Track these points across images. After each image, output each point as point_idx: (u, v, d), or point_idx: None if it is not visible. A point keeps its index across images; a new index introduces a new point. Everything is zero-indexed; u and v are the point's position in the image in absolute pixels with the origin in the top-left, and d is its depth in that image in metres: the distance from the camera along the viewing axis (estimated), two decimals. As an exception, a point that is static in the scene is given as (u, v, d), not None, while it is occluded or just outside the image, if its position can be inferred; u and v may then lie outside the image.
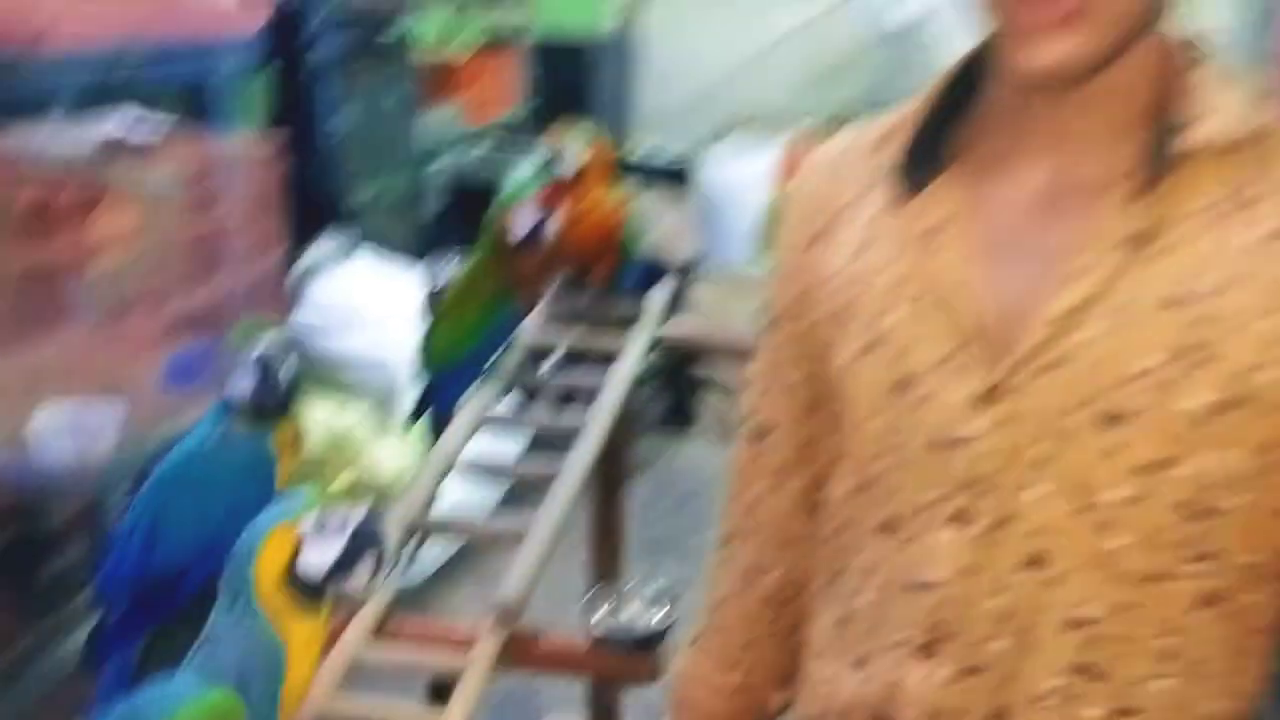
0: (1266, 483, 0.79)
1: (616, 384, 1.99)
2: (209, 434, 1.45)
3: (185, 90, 2.77)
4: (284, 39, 3.09)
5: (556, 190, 2.12)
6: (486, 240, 2.01)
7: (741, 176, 5.30)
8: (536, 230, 1.96)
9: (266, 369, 1.40)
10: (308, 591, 1.03)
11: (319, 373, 3.14)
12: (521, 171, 2.92)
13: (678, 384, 4.05)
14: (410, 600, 1.89)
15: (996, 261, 0.83)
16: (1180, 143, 0.78)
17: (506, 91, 5.06)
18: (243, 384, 1.41)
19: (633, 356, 2.08)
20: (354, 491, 2.97)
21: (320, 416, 3.10)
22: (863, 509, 0.91)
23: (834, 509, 0.96)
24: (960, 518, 0.84)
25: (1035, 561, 0.82)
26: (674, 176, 5.46)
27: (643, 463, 3.78)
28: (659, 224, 5.02)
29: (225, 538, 1.09)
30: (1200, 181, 0.79)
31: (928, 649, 0.86)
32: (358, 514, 1.05)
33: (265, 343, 1.41)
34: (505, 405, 2.05)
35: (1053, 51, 0.76)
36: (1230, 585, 0.81)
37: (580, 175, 2.11)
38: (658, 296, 2.28)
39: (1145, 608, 0.81)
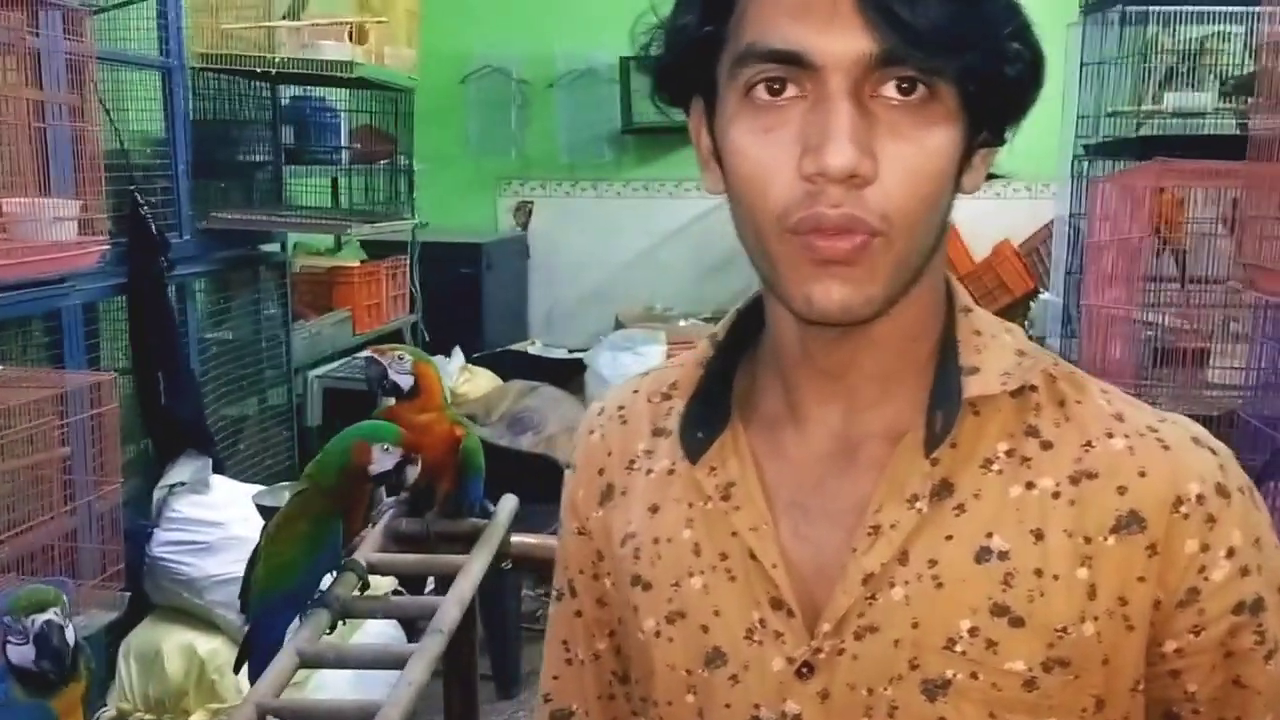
0: None
1: (453, 605, 1.94)
2: (-9, 697, 1.41)
3: (34, 324, 2.77)
4: (146, 260, 3.10)
5: (391, 412, 2.12)
6: (324, 469, 1.97)
7: (632, 370, 5.36)
8: (396, 471, 1.92)
9: (45, 641, 1.39)
10: None
11: (180, 596, 3.04)
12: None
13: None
14: None
15: (794, 520, 0.79)
16: (962, 393, 0.76)
17: (397, 298, 5.10)
18: (22, 652, 1.40)
19: (473, 575, 2.03)
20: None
21: (181, 642, 3.00)
22: None
23: None
24: None
25: None
26: (568, 372, 5.50)
27: (535, 670, 3.68)
28: (554, 419, 5.05)
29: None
30: (984, 433, 0.77)
31: None
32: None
33: (45, 615, 1.40)
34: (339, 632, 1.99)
35: (845, 288, 0.71)
36: None
37: (414, 394, 2.11)
38: (504, 511, 2.26)
39: None
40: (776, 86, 0.70)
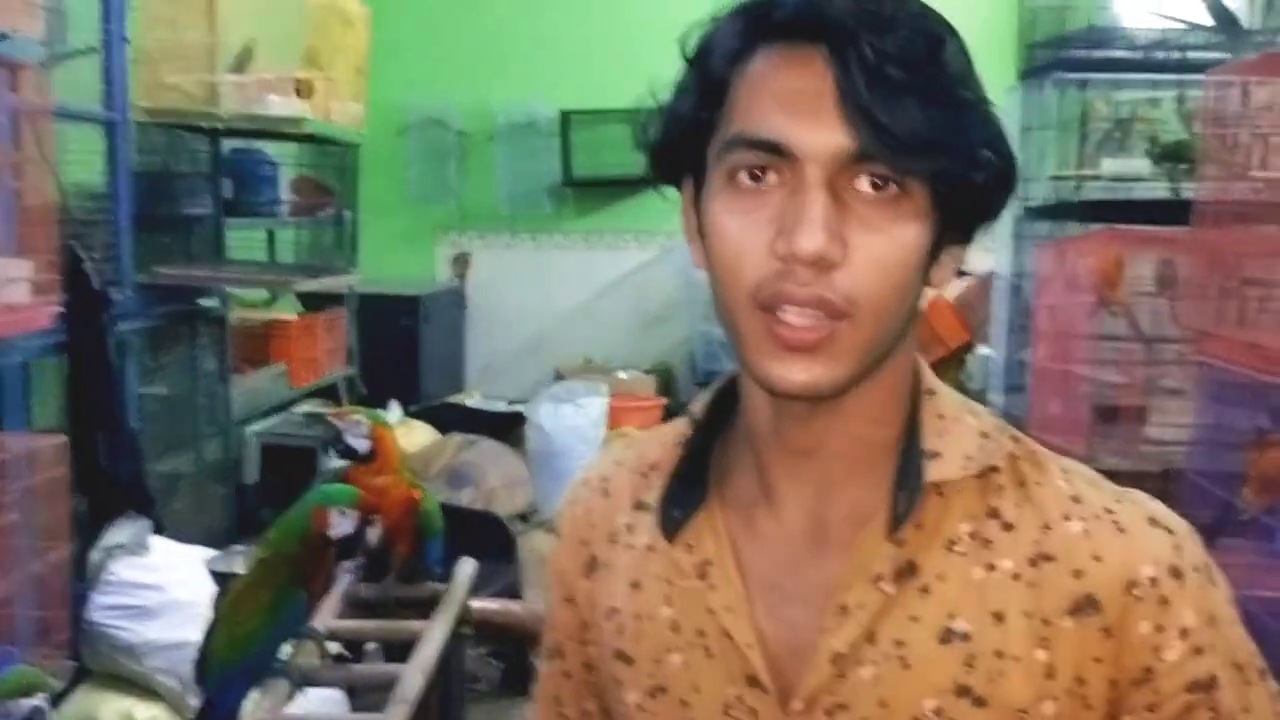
0: None
1: (416, 674, 1.90)
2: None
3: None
4: (86, 316, 3.02)
5: (349, 476, 2.09)
6: (285, 536, 1.94)
7: (573, 423, 5.34)
8: (357, 534, 1.91)
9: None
10: None
11: (118, 663, 2.94)
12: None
13: (515, 644, 3.92)
14: None
15: (769, 599, 0.81)
16: (925, 476, 0.78)
17: (333, 350, 5.04)
18: None
19: (434, 643, 2.00)
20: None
21: (119, 710, 2.90)
22: None
23: None
24: None
25: None
26: (507, 424, 5.46)
27: (478, 730, 3.61)
28: (494, 473, 5.00)
29: None
30: (948, 515, 0.79)
31: None
32: None
33: (34, 700, 1.36)
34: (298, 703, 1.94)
35: (809, 366, 0.74)
36: None
37: (370, 458, 2.09)
38: (462, 575, 2.23)
39: None
40: (758, 173, 0.74)
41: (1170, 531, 0.78)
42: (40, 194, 2.20)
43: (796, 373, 0.74)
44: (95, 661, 2.96)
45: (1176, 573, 0.77)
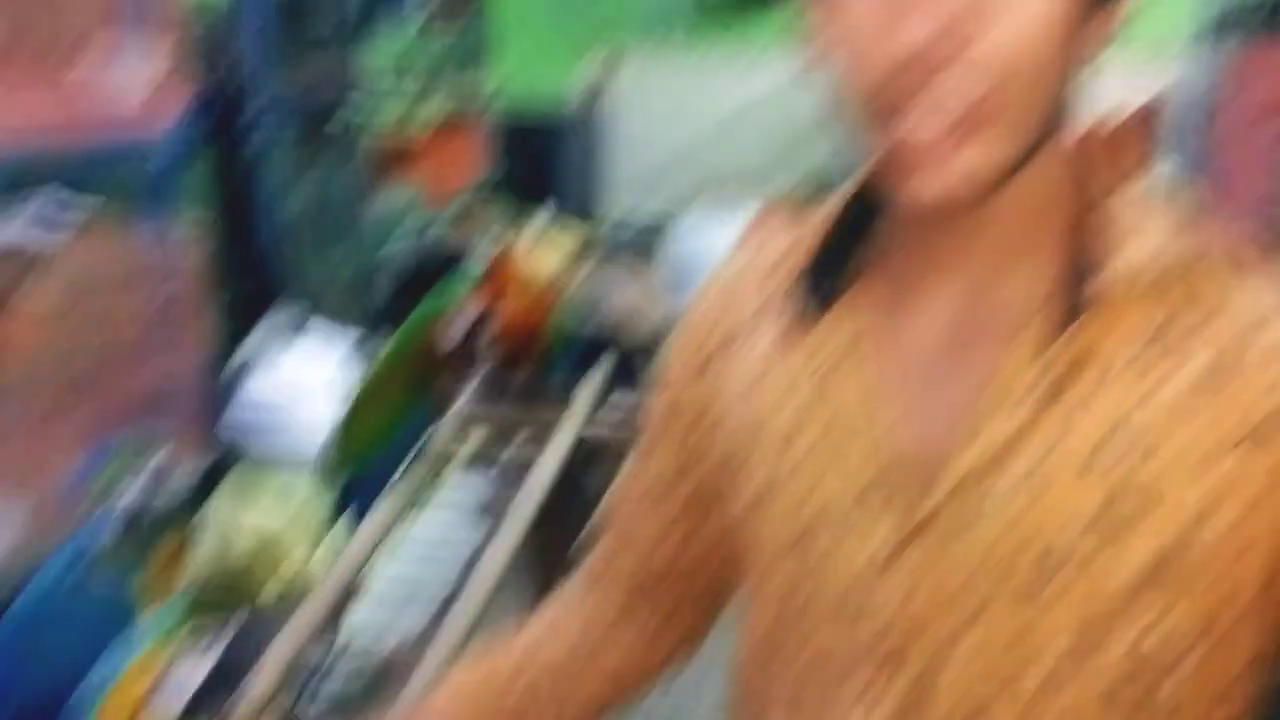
0: (1203, 672, 0.70)
1: (531, 494, 1.89)
2: (61, 580, 1.38)
3: (115, 182, 2.70)
4: (226, 123, 3.03)
5: (479, 286, 2.05)
6: (405, 339, 1.93)
7: (714, 243, 5.24)
8: (472, 335, 1.89)
9: (156, 486, 1.35)
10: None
11: (252, 471, 3.03)
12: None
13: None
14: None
15: (904, 399, 0.74)
16: (1097, 277, 0.69)
17: (469, 167, 5.01)
18: (130, 500, 1.36)
19: (553, 461, 1.98)
20: (285, 599, 2.86)
21: (251, 521, 3.00)
22: (767, 680, 0.82)
23: (737, 675, 0.87)
24: (868, 694, 0.74)
25: None
26: (645, 245, 5.40)
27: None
28: (628, 295, 4.98)
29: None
30: (1120, 322, 0.69)
31: None
32: (227, 634, 1.00)
33: (156, 459, 1.36)
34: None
35: (943, 177, 0.66)
36: None
37: (497, 265, 2.04)
38: (587, 389, 2.18)
39: None
40: None
41: None
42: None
43: (932, 183, 0.66)
44: (236, 460, 3.05)
45: None
